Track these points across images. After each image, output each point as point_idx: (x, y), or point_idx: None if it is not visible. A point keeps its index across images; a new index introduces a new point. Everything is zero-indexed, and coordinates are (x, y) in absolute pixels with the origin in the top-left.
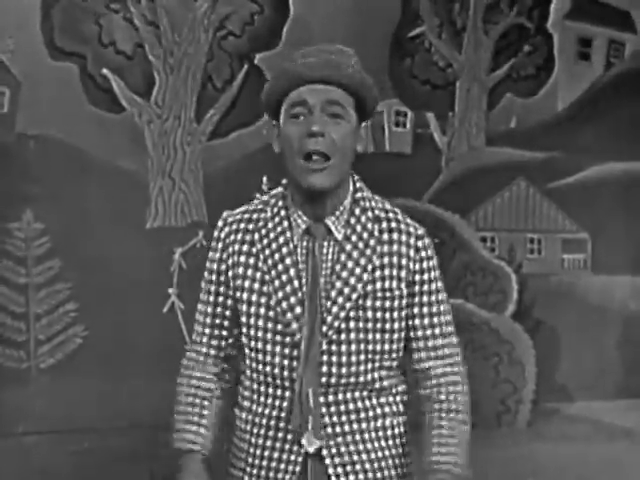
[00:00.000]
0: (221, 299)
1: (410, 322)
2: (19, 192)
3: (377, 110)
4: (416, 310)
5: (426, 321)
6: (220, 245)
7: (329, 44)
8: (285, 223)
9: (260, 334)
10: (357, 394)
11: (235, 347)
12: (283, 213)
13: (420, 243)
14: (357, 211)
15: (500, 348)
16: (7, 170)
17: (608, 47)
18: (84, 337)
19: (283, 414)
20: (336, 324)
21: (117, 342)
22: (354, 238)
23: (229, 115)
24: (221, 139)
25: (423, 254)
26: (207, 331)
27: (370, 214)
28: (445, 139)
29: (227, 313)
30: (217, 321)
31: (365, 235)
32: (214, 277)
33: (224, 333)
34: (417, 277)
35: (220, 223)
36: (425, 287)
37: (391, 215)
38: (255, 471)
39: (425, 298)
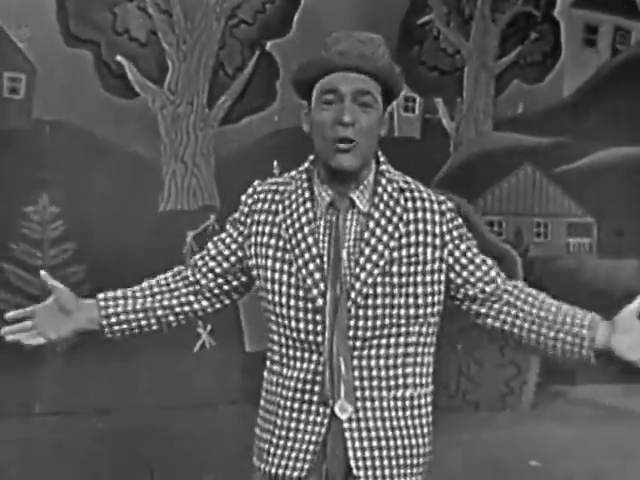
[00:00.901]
0: (227, 252)
1: (460, 278)
2: (35, 176)
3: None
4: (461, 263)
5: (474, 265)
6: (246, 209)
7: (358, 31)
8: (307, 194)
9: (284, 300)
10: (381, 362)
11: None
12: (306, 185)
13: (444, 207)
14: (383, 181)
15: None
16: (23, 155)
17: (614, 34)
18: None
19: (310, 376)
20: (364, 290)
21: None
22: (381, 206)
23: (240, 101)
24: (232, 124)
25: (449, 216)
26: (204, 253)
27: (395, 185)
28: (453, 124)
29: (224, 262)
30: (217, 258)
31: (391, 203)
32: (231, 230)
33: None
34: (447, 237)
35: (250, 190)
36: (457, 242)
37: (413, 186)
38: (284, 432)
39: (466, 246)
